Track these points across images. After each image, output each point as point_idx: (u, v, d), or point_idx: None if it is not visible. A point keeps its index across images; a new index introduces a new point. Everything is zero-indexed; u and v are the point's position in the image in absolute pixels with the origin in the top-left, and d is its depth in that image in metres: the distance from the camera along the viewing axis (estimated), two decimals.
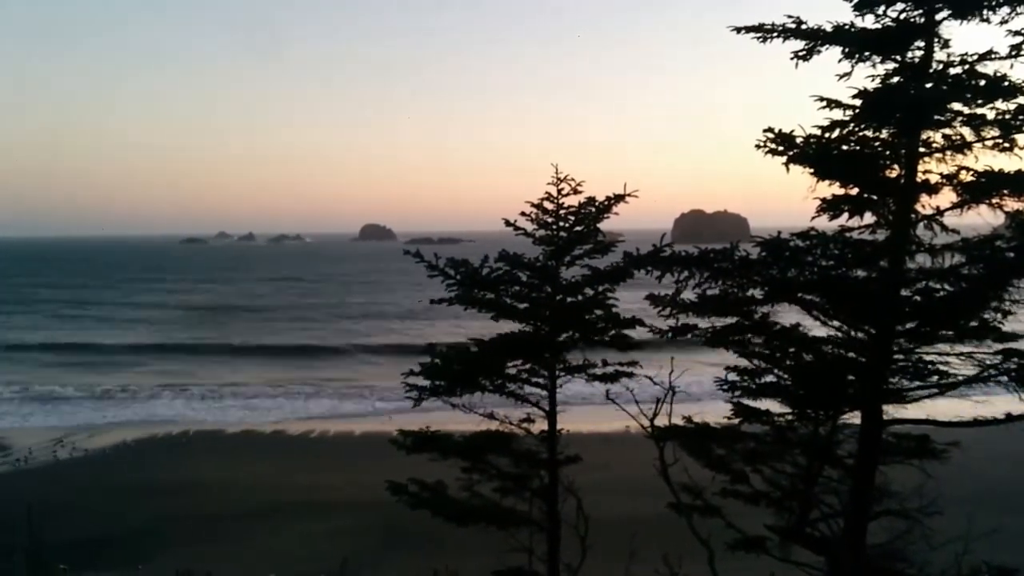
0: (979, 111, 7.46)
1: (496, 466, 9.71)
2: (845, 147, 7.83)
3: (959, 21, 7.49)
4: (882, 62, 7.80)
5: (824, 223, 7.94)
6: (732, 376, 8.74)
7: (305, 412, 35.87)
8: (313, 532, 19.11)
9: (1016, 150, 7.42)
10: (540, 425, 9.71)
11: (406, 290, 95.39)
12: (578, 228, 9.55)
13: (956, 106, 7.50)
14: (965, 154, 7.58)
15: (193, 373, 46.49)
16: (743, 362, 8.73)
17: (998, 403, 7.58)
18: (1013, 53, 7.26)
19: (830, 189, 7.93)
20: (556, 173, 9.42)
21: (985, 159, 7.49)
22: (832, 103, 7.79)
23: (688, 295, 8.29)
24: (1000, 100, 7.34)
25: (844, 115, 7.77)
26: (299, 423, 33.25)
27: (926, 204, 7.70)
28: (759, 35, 7.90)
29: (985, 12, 7.37)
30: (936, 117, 7.54)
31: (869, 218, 7.90)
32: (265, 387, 41.84)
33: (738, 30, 7.95)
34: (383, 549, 17.62)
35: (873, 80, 7.79)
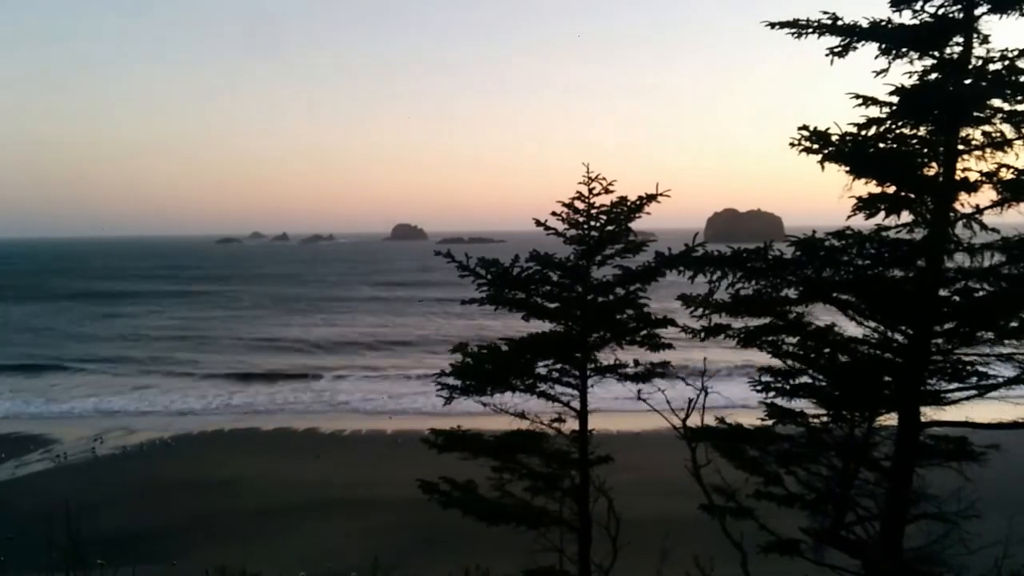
0: (1020, 107, 7.33)
1: (527, 466, 9.71)
2: (882, 145, 7.73)
3: (998, 16, 7.37)
4: (920, 58, 7.69)
5: (860, 222, 7.85)
6: (766, 377, 8.67)
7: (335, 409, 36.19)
8: (344, 530, 19.26)
9: None
10: (571, 425, 9.68)
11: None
12: (609, 228, 9.49)
13: (996, 103, 7.38)
14: (1005, 151, 7.46)
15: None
16: (776, 362, 8.65)
17: None
18: None
19: (866, 187, 7.85)
20: (587, 172, 9.38)
21: None
22: (868, 100, 7.69)
23: (721, 295, 8.23)
24: None
25: (880, 112, 7.68)
26: (331, 421, 33.47)
27: (965, 202, 7.59)
28: (794, 31, 7.82)
29: None
30: (975, 114, 7.43)
31: (906, 217, 7.81)
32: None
33: (772, 26, 7.88)
34: (414, 548, 17.69)
35: (910, 77, 7.70)
